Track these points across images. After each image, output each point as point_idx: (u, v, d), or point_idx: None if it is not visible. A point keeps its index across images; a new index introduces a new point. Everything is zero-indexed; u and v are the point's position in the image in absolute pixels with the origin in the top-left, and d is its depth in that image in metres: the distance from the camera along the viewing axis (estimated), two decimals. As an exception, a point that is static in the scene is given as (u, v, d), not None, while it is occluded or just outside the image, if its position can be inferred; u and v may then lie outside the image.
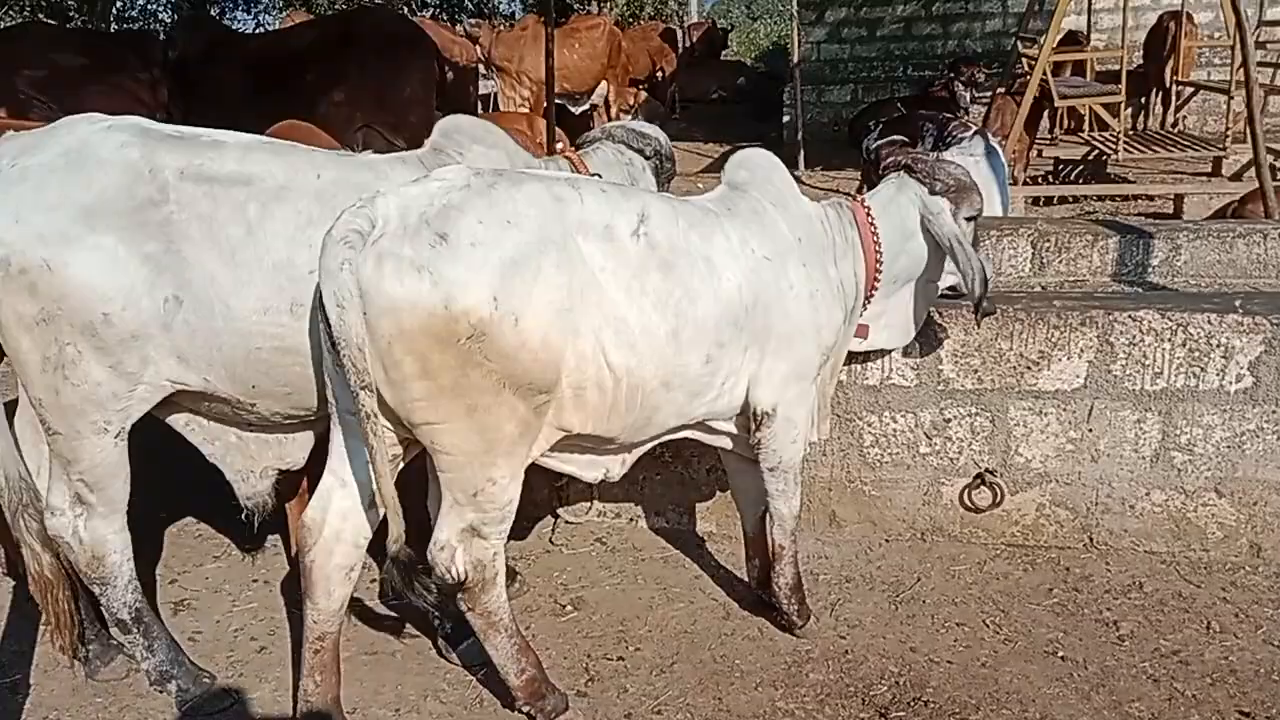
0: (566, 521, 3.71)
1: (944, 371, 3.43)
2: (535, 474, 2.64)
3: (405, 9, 19.05)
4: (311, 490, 2.52)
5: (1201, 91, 10.96)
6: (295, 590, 2.75)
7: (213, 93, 6.54)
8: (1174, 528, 3.42)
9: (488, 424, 2.30)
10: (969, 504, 3.50)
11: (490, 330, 2.22)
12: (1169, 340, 3.31)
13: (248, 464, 2.85)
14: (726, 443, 2.93)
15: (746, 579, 3.24)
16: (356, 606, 3.14)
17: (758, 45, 26.08)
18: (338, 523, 2.42)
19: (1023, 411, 3.43)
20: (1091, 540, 3.46)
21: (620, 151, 3.35)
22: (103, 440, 2.52)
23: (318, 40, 6.95)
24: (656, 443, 2.80)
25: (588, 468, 2.74)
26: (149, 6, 20.52)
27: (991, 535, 3.52)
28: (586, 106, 12.76)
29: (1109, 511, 3.44)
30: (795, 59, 11.98)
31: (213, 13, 18.92)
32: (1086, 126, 10.16)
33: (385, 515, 2.34)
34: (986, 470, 3.47)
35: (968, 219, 2.95)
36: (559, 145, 3.50)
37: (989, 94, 9.33)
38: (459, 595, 2.46)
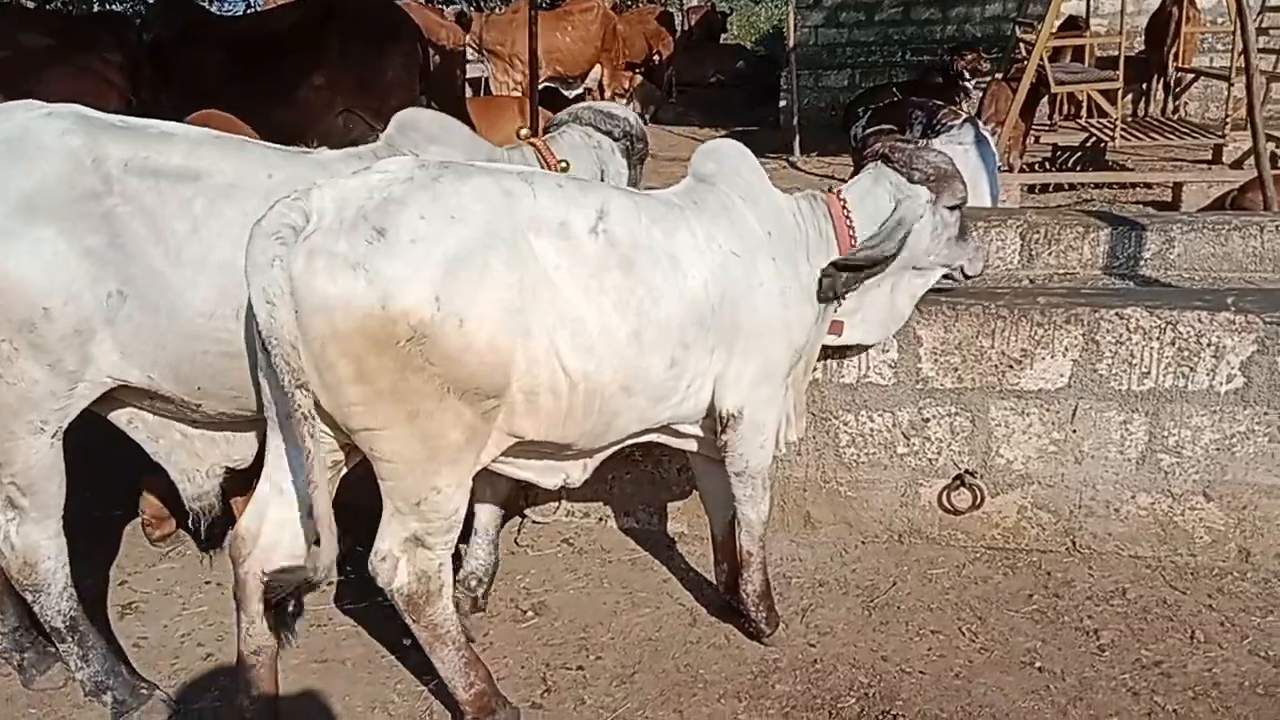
0: (534, 522, 3.60)
1: (923, 370, 3.31)
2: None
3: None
4: None
5: (1203, 78, 10.79)
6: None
7: (189, 76, 6.39)
8: (1160, 532, 3.31)
9: (430, 430, 2.19)
10: (948, 506, 3.39)
11: (432, 332, 2.10)
12: (1157, 339, 3.19)
13: (194, 463, 2.76)
14: (693, 445, 2.82)
15: (716, 583, 3.13)
16: (309, 612, 3.04)
17: (757, 29, 25.80)
18: (274, 532, 2.31)
19: (1004, 411, 3.31)
20: (1074, 544, 3.35)
21: (588, 134, 3.23)
22: (38, 441, 2.42)
23: (299, 22, 6.79)
24: (618, 448, 2.68)
25: (545, 474, 2.63)
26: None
27: (971, 538, 3.40)
28: (580, 90, 12.62)
29: (1093, 515, 3.33)
30: (791, 43, 11.81)
31: (202, -3, 18.63)
32: (1084, 113, 10.00)
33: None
34: (966, 471, 3.35)
35: (949, 208, 2.82)
36: (523, 131, 3.35)
37: (988, 80, 9.18)
38: (402, 608, 2.35)
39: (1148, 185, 8.79)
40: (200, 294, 2.39)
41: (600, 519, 3.60)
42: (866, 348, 3.26)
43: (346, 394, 2.12)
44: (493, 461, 2.42)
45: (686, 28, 18.82)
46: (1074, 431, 3.29)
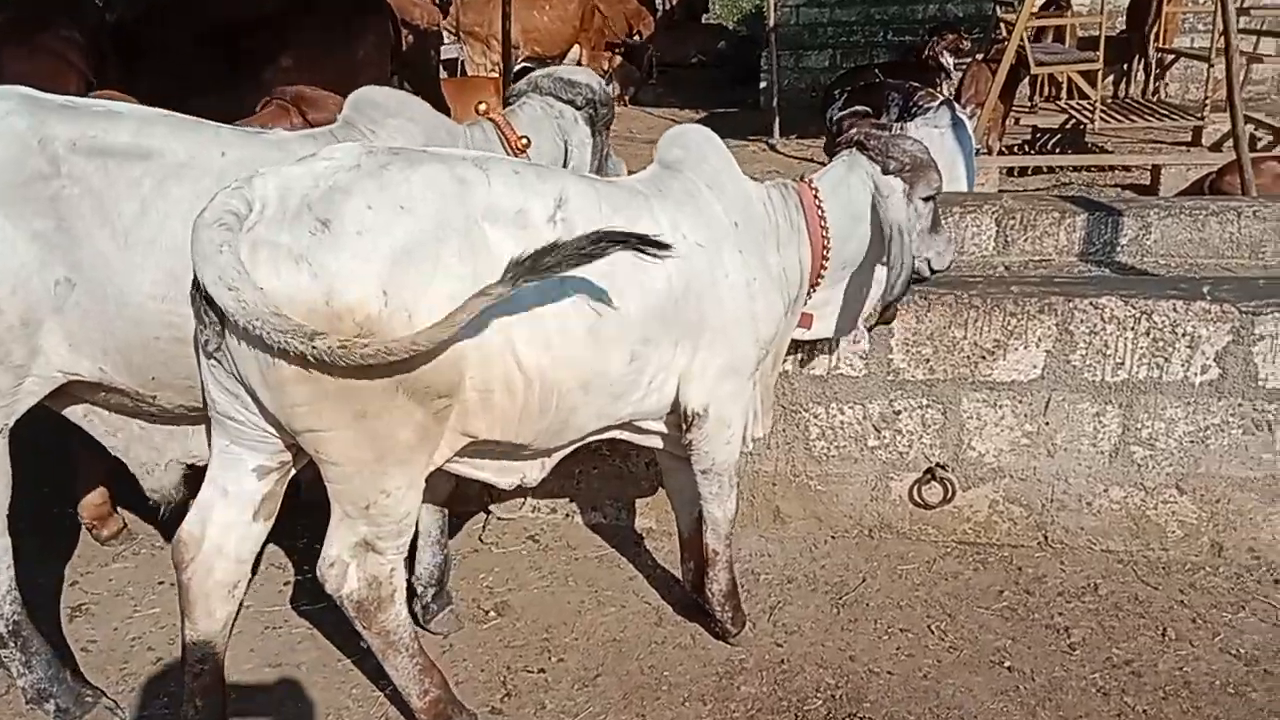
0: (499, 518, 3.52)
1: (894, 361, 3.25)
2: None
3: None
4: None
5: (1183, 59, 10.73)
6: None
7: (154, 55, 6.26)
8: (1132, 526, 3.26)
9: (379, 431, 2.10)
10: (919, 500, 3.34)
11: (379, 328, 2.01)
12: (1132, 329, 3.13)
13: (152, 456, 2.67)
14: (657, 442, 2.74)
15: (683, 581, 3.07)
16: (266, 615, 2.97)
17: (740, 9, 25.51)
18: (218, 536, 2.22)
19: (976, 403, 3.25)
20: (1046, 539, 3.30)
21: (549, 105, 3.09)
22: None
23: (267, 1, 6.65)
24: (577, 446, 2.60)
25: (501, 474, 2.54)
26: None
27: (942, 533, 3.35)
28: (558, 71, 12.43)
29: (1065, 509, 3.28)
30: (771, 23, 11.65)
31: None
32: (1065, 94, 9.94)
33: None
34: (937, 465, 3.30)
35: (924, 199, 2.74)
36: (482, 106, 3.22)
37: (969, 60, 9.09)
38: (353, 615, 2.27)
39: (1126, 168, 8.74)
40: (149, 276, 2.31)
41: (567, 514, 3.52)
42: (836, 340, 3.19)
43: (290, 394, 2.03)
44: (446, 462, 2.34)
45: (668, 7, 18.60)
46: (1047, 424, 3.23)
